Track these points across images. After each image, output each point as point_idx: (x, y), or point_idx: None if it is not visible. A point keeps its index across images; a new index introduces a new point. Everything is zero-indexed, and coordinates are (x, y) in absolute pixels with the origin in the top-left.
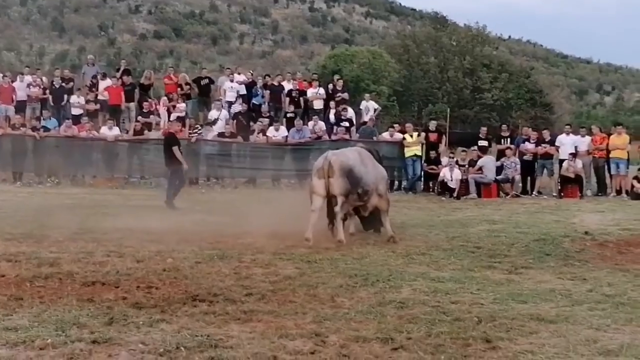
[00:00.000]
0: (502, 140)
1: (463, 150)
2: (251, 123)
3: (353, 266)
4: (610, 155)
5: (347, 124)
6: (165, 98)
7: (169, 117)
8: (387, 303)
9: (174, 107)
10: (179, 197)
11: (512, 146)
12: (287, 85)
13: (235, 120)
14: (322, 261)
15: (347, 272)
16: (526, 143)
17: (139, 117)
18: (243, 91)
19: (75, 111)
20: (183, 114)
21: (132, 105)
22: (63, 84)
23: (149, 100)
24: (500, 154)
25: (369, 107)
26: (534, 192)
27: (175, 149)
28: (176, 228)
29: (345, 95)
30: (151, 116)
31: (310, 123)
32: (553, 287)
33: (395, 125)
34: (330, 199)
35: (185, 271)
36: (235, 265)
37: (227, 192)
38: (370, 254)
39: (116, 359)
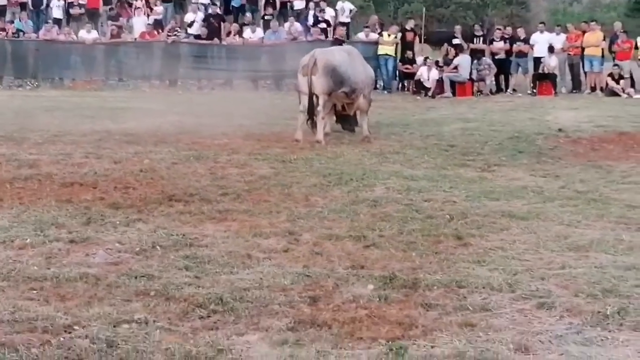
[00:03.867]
0: (475, 40)
1: (440, 50)
2: (222, 24)
3: (327, 165)
4: (584, 53)
5: (324, 25)
6: (142, 1)
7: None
8: (360, 201)
9: (151, 10)
10: None
11: (486, 46)
12: None
13: (206, 23)
14: (296, 161)
15: (321, 171)
16: (498, 42)
17: (109, 22)
18: None
19: (57, 14)
20: (160, 17)
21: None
22: None
23: (119, 3)
24: (473, 53)
25: (345, 7)
26: (508, 90)
27: None
28: (153, 129)
29: None
30: (120, 19)
31: (287, 24)
32: (525, 184)
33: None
34: (311, 97)
35: (161, 172)
36: (211, 165)
37: (204, 93)
38: (345, 153)
39: (93, 257)
